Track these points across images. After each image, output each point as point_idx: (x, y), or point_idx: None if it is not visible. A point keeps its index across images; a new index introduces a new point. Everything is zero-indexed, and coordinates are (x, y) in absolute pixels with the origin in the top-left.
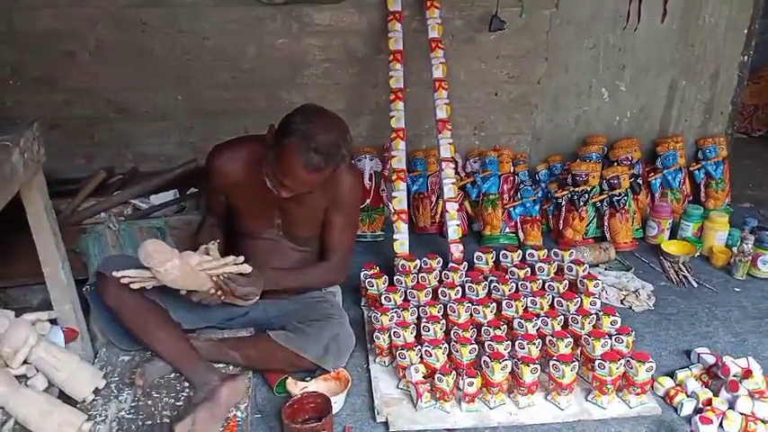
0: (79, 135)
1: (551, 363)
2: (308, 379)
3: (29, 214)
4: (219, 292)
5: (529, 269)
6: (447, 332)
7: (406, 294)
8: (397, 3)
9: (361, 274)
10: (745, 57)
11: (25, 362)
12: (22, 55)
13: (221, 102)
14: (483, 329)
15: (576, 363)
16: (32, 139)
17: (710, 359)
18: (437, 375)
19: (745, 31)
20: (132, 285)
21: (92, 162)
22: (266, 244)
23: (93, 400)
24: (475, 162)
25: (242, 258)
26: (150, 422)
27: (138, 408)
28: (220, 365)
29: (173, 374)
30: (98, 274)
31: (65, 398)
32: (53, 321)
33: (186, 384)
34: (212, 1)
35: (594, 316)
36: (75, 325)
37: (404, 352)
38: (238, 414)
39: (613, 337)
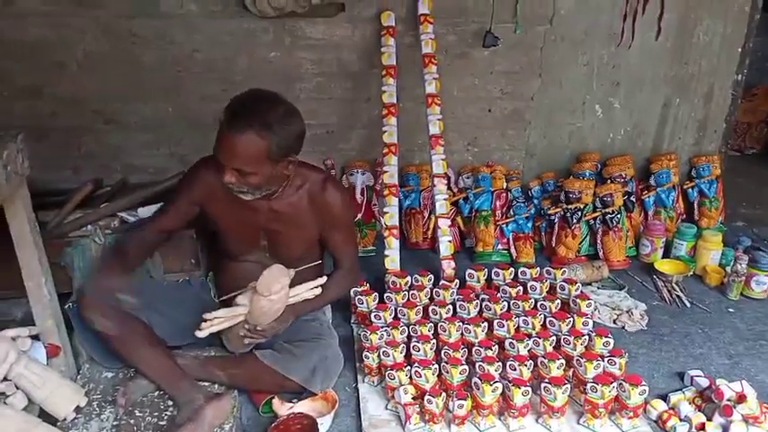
0: (67, 146)
1: (543, 385)
2: (294, 400)
3: (11, 228)
4: (244, 333)
5: (521, 287)
6: (437, 352)
7: (396, 312)
8: (391, 18)
9: (351, 291)
10: (740, 75)
11: (5, 379)
12: (10, 64)
13: (212, 114)
14: (474, 350)
15: (568, 385)
16: (17, 151)
17: (704, 382)
18: (426, 397)
19: (740, 49)
20: (211, 330)
21: (79, 173)
22: (253, 266)
23: (75, 418)
24: (467, 178)
25: (321, 281)
26: None
27: (119, 427)
28: (206, 384)
29: (156, 393)
30: (80, 291)
31: (46, 416)
32: (35, 337)
33: (170, 403)
34: (204, 13)
35: (587, 337)
36: (57, 341)
37: (393, 372)
38: None
39: (606, 359)
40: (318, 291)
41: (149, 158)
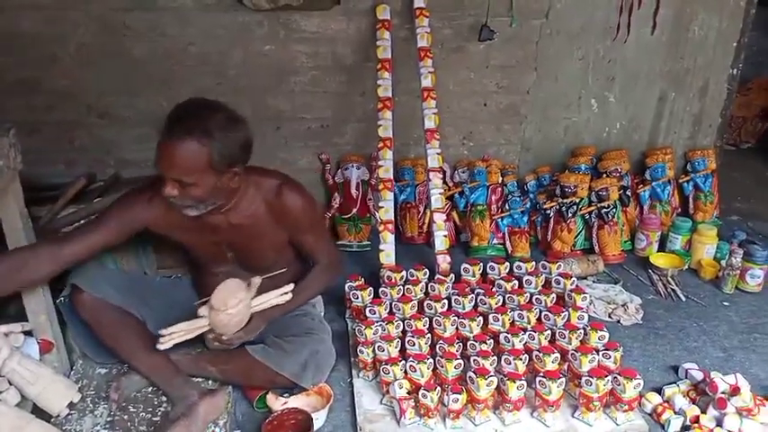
0: (60, 140)
1: (538, 379)
2: (286, 395)
3: (3, 223)
4: (211, 341)
5: (516, 282)
6: (432, 346)
7: (391, 307)
8: (387, 11)
9: (346, 285)
10: (735, 69)
11: None
12: (2, 57)
13: None
14: (469, 344)
15: (563, 379)
16: (9, 145)
17: (698, 375)
18: (421, 391)
19: (735, 43)
20: (171, 343)
21: (72, 168)
22: (224, 277)
23: (68, 414)
24: (463, 172)
25: (289, 287)
26: None
27: (113, 423)
28: (199, 380)
29: (150, 388)
30: (72, 286)
31: (39, 412)
32: (28, 333)
33: (164, 399)
34: (197, 6)
35: (582, 331)
36: (50, 337)
37: (387, 367)
38: (217, 430)
39: (601, 353)
40: (288, 296)
41: (143, 153)
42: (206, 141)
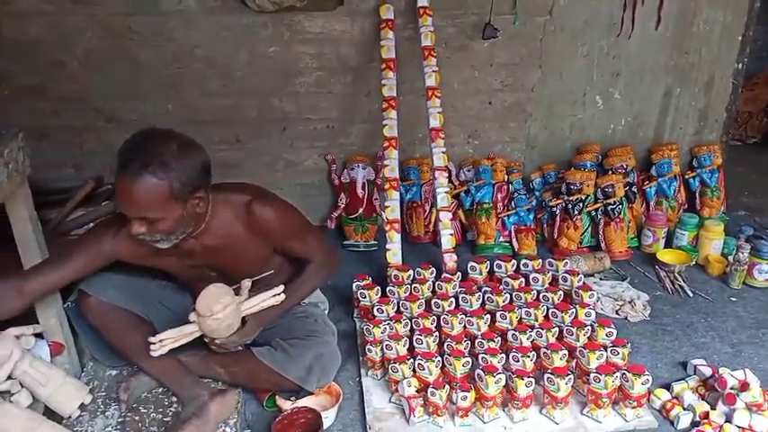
0: (68, 144)
1: (546, 376)
2: (292, 398)
3: (13, 226)
4: (208, 341)
5: (523, 279)
6: (440, 344)
7: (398, 306)
8: (390, 11)
9: (354, 285)
10: (740, 64)
11: (10, 377)
12: (10, 63)
13: (212, 110)
14: (477, 342)
15: (571, 376)
16: (17, 149)
17: (707, 371)
18: (430, 389)
19: (740, 37)
20: (163, 350)
21: (81, 171)
22: None
23: (79, 416)
24: (468, 171)
25: (280, 288)
26: None
27: (124, 424)
28: (209, 380)
29: (161, 389)
30: (79, 291)
31: (50, 414)
32: (39, 335)
33: (174, 399)
34: (202, 9)
35: (590, 327)
36: (61, 339)
37: (396, 365)
38: (228, 430)
39: (609, 350)
40: (282, 297)
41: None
42: (163, 174)
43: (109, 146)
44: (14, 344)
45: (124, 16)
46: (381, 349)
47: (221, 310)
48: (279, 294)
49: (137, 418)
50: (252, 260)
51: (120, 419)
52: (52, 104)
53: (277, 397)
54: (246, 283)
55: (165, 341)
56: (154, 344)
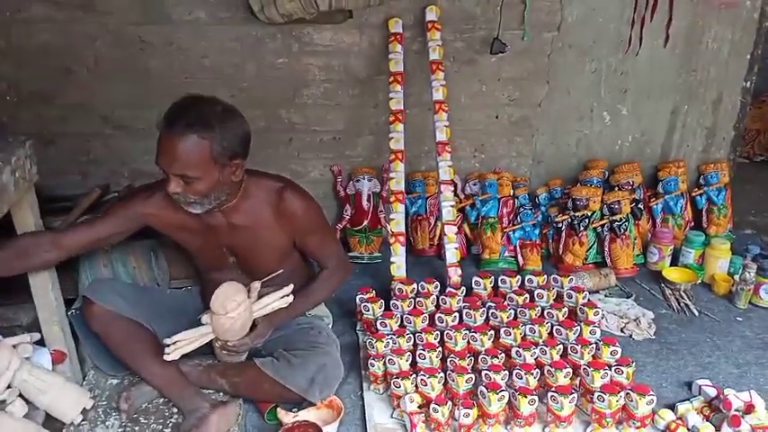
0: (75, 152)
1: (549, 394)
2: (294, 410)
3: (19, 233)
4: (219, 344)
5: (528, 295)
6: (443, 360)
7: (402, 320)
8: (399, 24)
9: (357, 298)
10: (748, 82)
11: (9, 386)
12: (18, 70)
13: None
14: (480, 358)
15: (575, 394)
16: (25, 157)
17: (712, 392)
18: (432, 405)
19: (748, 56)
20: (178, 353)
21: (87, 179)
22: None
23: (80, 424)
24: (474, 185)
25: (289, 288)
26: None
27: None
28: (210, 391)
29: (162, 400)
30: (84, 298)
31: (52, 421)
32: (41, 343)
33: (175, 410)
34: (212, 20)
35: (594, 346)
36: (63, 347)
37: (398, 380)
38: None
39: (613, 368)
40: (290, 299)
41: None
42: (206, 134)
43: (115, 154)
44: (12, 353)
45: (134, 26)
46: (384, 364)
47: (235, 308)
48: (287, 296)
49: (137, 428)
50: (271, 249)
51: (120, 429)
52: (60, 111)
53: (278, 409)
54: (256, 285)
55: (180, 343)
56: (168, 346)
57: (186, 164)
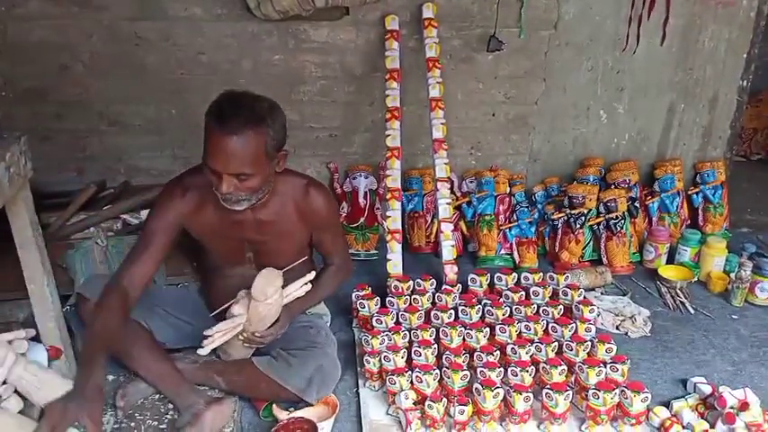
0: (70, 148)
1: (544, 391)
2: (291, 409)
3: (14, 230)
4: (242, 340)
5: (523, 293)
6: (439, 357)
7: (397, 317)
8: (395, 21)
9: (353, 294)
10: (745, 81)
11: (4, 382)
12: (14, 67)
13: None
14: (475, 355)
15: (570, 391)
16: (19, 153)
17: (707, 389)
18: (427, 402)
19: (745, 55)
20: (212, 345)
21: (83, 175)
22: (238, 280)
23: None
24: (471, 182)
25: (311, 275)
26: None
27: (120, 430)
28: (205, 388)
29: (157, 396)
30: (78, 295)
31: None
32: (37, 339)
33: (170, 407)
34: (208, 16)
35: (589, 343)
36: (59, 343)
37: (394, 377)
38: None
39: (608, 366)
40: (309, 287)
41: (152, 161)
42: (261, 129)
43: (111, 150)
44: (7, 349)
45: (130, 21)
46: (380, 360)
47: (273, 293)
48: (307, 284)
49: (132, 424)
50: (291, 244)
51: (115, 426)
52: (55, 108)
53: (274, 406)
54: (281, 274)
55: (217, 334)
56: (208, 337)
57: (244, 162)
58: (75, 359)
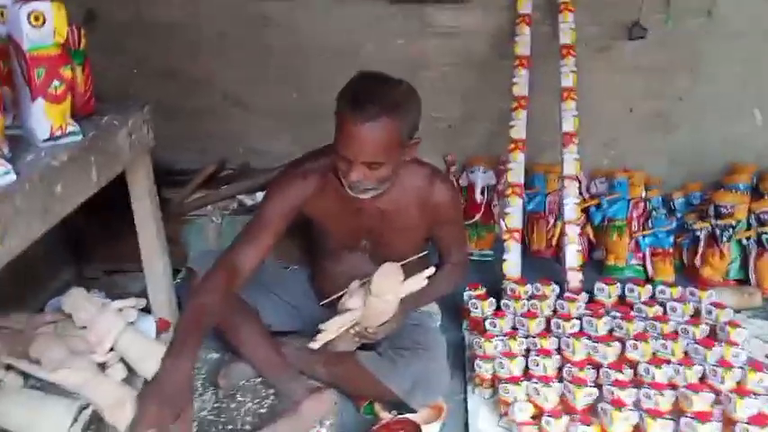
0: (194, 127)
1: (684, 420)
2: (394, 412)
3: (132, 198)
4: (354, 335)
5: (659, 308)
6: (559, 369)
7: (514, 322)
8: (528, 5)
9: (465, 294)
10: None
11: (111, 349)
12: (146, 45)
13: (334, 102)
14: (602, 371)
15: (716, 424)
16: (142, 121)
17: None
18: (545, 418)
19: None
20: (325, 339)
21: (205, 155)
22: (351, 269)
23: None
24: (601, 183)
25: (431, 271)
26: (231, 427)
27: (220, 410)
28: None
29: (258, 379)
30: (189, 269)
31: None
32: (147, 311)
33: (271, 391)
34: None
35: (739, 370)
36: (169, 316)
37: (508, 386)
38: (323, 431)
39: (761, 398)
40: (426, 282)
41: (271, 143)
42: (397, 116)
43: (232, 130)
44: (117, 317)
45: (258, 2)
46: (492, 366)
47: (392, 290)
48: (426, 279)
49: (233, 405)
50: (408, 235)
51: (215, 405)
52: (182, 87)
53: (376, 404)
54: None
55: (331, 328)
56: (322, 332)
57: (377, 151)
58: None
